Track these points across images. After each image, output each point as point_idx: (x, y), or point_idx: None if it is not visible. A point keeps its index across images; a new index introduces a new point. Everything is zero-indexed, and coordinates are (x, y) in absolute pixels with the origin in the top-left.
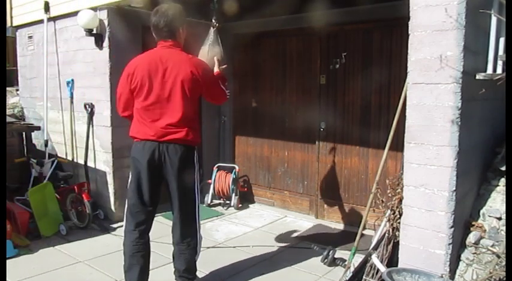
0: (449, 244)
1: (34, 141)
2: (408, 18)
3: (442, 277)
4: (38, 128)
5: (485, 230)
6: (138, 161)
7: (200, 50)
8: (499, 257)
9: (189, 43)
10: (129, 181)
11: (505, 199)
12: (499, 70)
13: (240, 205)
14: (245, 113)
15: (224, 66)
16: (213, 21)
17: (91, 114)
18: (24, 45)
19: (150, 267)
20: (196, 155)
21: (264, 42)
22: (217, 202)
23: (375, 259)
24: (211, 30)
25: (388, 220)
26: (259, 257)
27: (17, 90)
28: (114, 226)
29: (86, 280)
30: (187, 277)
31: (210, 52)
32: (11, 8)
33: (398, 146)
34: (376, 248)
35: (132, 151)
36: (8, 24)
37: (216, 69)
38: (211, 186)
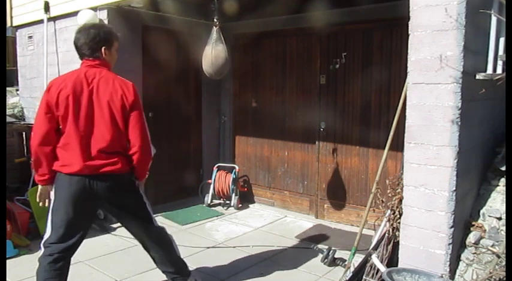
0: (449, 244)
1: None
2: (408, 18)
3: (442, 277)
4: None
5: (485, 230)
6: (64, 196)
7: (204, 50)
8: (499, 257)
9: (191, 43)
10: (53, 205)
11: (505, 199)
12: (499, 70)
13: (240, 205)
14: (245, 113)
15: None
16: (215, 20)
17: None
18: (24, 45)
19: (150, 267)
20: (133, 176)
21: (264, 42)
22: (217, 202)
23: (375, 259)
24: (214, 29)
25: (388, 220)
26: (259, 257)
27: (17, 90)
28: (114, 226)
29: (86, 280)
30: (182, 276)
31: (213, 51)
32: (11, 8)
33: (398, 146)
34: (376, 248)
35: (57, 184)
36: (8, 24)
37: None
38: (211, 186)
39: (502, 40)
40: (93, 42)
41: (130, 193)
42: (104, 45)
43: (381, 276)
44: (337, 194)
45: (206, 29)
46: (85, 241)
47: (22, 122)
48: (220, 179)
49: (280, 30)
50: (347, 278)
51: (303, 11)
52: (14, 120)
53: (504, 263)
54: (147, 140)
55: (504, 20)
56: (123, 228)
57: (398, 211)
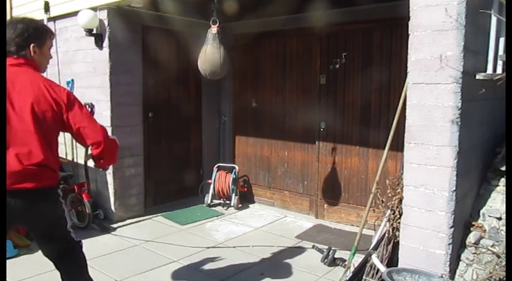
0: (449, 244)
1: None
2: (408, 18)
3: (442, 277)
4: None
5: (485, 230)
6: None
7: (201, 50)
8: (499, 257)
9: (191, 43)
10: None
11: (505, 199)
12: (499, 70)
13: (240, 205)
14: (245, 113)
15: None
16: (212, 21)
17: (91, 114)
18: None
19: (150, 267)
20: (60, 188)
21: (264, 42)
22: (217, 202)
23: (375, 259)
24: (211, 29)
25: (388, 220)
26: (259, 257)
27: None
28: (114, 226)
29: None
30: None
31: (205, 52)
32: (11, 8)
33: (398, 146)
34: (376, 248)
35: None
36: None
37: None
38: (211, 186)
39: (502, 40)
40: (20, 38)
41: (53, 213)
42: (34, 42)
43: (380, 276)
44: (337, 194)
45: (206, 29)
46: (85, 241)
47: None
48: (220, 179)
49: (280, 30)
50: (347, 278)
51: (303, 11)
52: None
53: (504, 263)
54: (102, 131)
55: (504, 20)
56: (123, 228)
57: (399, 211)
